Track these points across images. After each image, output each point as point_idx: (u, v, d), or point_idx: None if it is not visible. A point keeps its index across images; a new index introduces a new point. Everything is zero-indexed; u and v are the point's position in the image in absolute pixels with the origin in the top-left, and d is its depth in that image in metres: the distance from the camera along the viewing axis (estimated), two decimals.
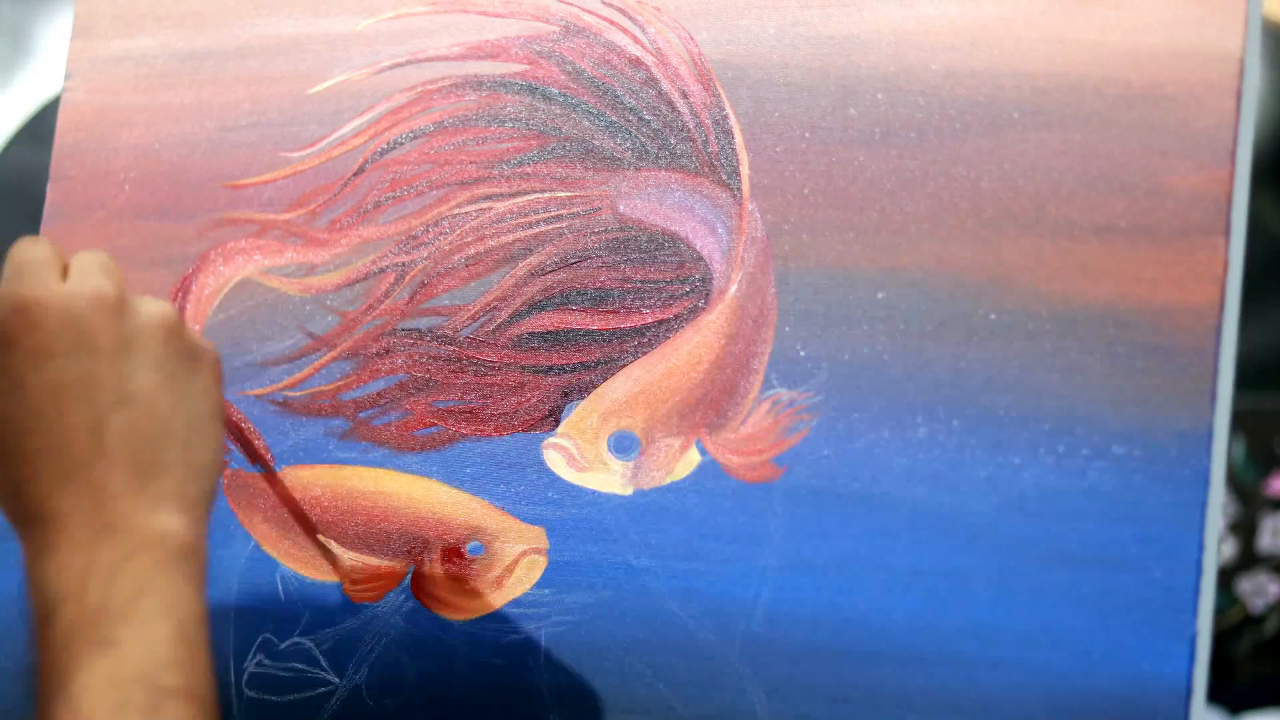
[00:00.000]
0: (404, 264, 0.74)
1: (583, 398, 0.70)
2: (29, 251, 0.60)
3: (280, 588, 0.74)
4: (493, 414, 0.72)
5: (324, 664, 0.73)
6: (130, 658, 0.53)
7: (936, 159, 0.66)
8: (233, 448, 0.75)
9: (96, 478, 0.56)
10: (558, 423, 0.71)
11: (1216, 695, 1.07)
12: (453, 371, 0.72)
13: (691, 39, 0.70)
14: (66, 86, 0.81)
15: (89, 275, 0.59)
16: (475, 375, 0.72)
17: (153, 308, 0.60)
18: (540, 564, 0.70)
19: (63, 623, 0.54)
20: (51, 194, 0.80)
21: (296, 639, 0.73)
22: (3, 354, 0.57)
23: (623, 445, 0.69)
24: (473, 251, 0.73)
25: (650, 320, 0.70)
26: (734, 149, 0.69)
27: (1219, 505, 0.62)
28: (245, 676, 0.74)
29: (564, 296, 0.71)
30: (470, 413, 0.72)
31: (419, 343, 0.73)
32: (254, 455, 0.75)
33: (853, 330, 0.66)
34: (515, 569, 0.71)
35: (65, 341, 0.57)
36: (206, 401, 0.60)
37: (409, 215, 0.74)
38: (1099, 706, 0.61)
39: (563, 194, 0.72)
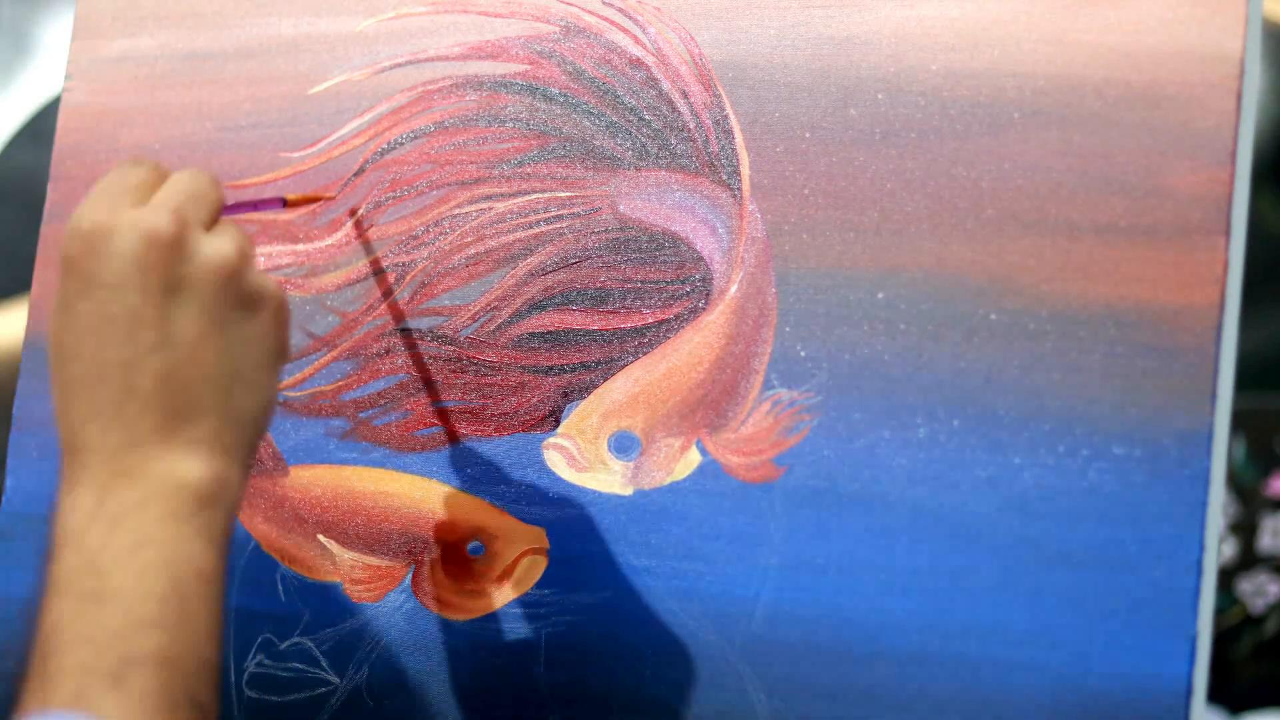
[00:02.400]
0: (404, 264, 0.74)
1: (583, 398, 0.70)
2: (117, 173, 0.59)
3: (280, 588, 0.74)
4: (493, 414, 0.72)
5: (324, 664, 0.73)
6: (110, 614, 0.52)
7: (936, 159, 0.66)
8: None
9: (127, 417, 0.55)
10: (558, 423, 0.71)
11: (1216, 695, 1.07)
12: (453, 371, 0.72)
13: (692, 39, 0.70)
14: (66, 86, 0.81)
15: (161, 206, 0.57)
16: (476, 375, 0.72)
17: (212, 248, 0.57)
18: (541, 564, 0.70)
19: (60, 566, 0.53)
20: (51, 194, 0.80)
21: (296, 639, 0.73)
22: (63, 275, 0.56)
23: (623, 445, 0.69)
24: (473, 251, 0.73)
25: (650, 320, 0.70)
26: (734, 149, 0.69)
27: (1219, 505, 0.62)
28: (245, 676, 0.74)
29: (564, 296, 0.71)
30: (471, 413, 0.72)
31: (419, 343, 0.73)
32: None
33: (853, 330, 0.66)
34: (515, 569, 0.71)
35: (115, 273, 0.55)
36: (259, 348, 0.58)
37: (409, 215, 0.74)
38: (1099, 706, 0.61)
39: (563, 194, 0.72)
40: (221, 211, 0.60)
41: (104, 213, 0.56)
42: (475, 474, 0.72)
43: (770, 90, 0.69)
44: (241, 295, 0.57)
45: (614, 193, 0.71)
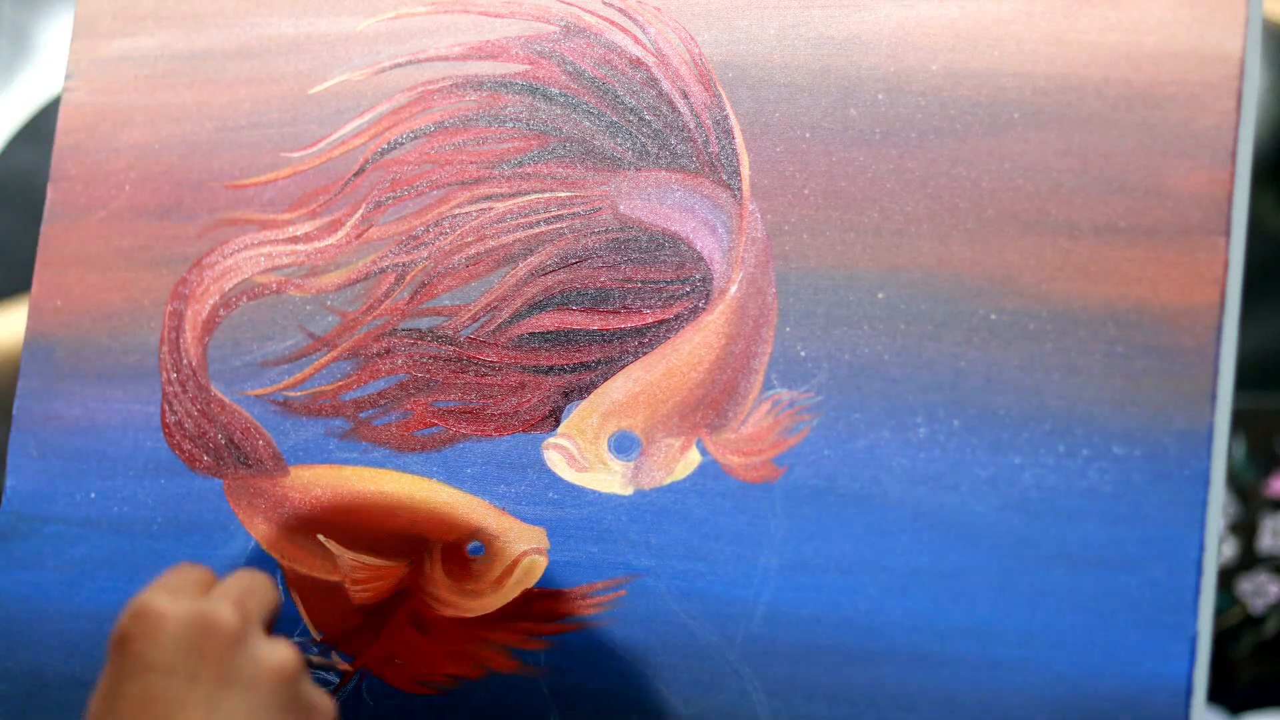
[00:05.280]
0: (404, 264, 0.74)
1: (583, 398, 0.70)
2: (180, 571, 0.60)
3: (280, 588, 0.74)
4: (493, 414, 0.72)
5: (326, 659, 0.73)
6: None
7: (936, 159, 0.66)
8: (243, 449, 0.75)
9: None
10: (558, 423, 0.71)
11: (1216, 695, 1.07)
12: (453, 371, 0.72)
13: (692, 39, 0.70)
14: (66, 86, 0.81)
15: (220, 599, 0.57)
16: (476, 375, 0.72)
17: (273, 653, 0.57)
18: (541, 564, 0.70)
19: None
20: (51, 194, 0.80)
21: (296, 639, 0.73)
22: (113, 654, 0.56)
23: (623, 445, 0.69)
24: (473, 251, 0.73)
25: (650, 320, 0.70)
26: (734, 149, 0.69)
27: (1219, 505, 0.62)
28: None
29: (564, 296, 0.71)
30: (471, 413, 0.72)
31: (419, 343, 0.73)
32: (262, 459, 0.75)
33: (853, 330, 0.66)
34: (515, 569, 0.71)
35: (168, 658, 0.55)
36: None
37: (409, 215, 0.74)
38: (1099, 706, 0.62)
39: (563, 194, 0.72)
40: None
41: (163, 599, 0.56)
42: (475, 474, 0.72)
43: (770, 90, 0.69)
44: (293, 702, 0.57)
45: (614, 193, 0.71)
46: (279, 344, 0.75)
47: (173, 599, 0.57)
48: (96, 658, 0.76)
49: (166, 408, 0.76)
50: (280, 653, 0.57)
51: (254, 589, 0.59)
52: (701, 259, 0.69)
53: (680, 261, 0.70)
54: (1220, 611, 1.08)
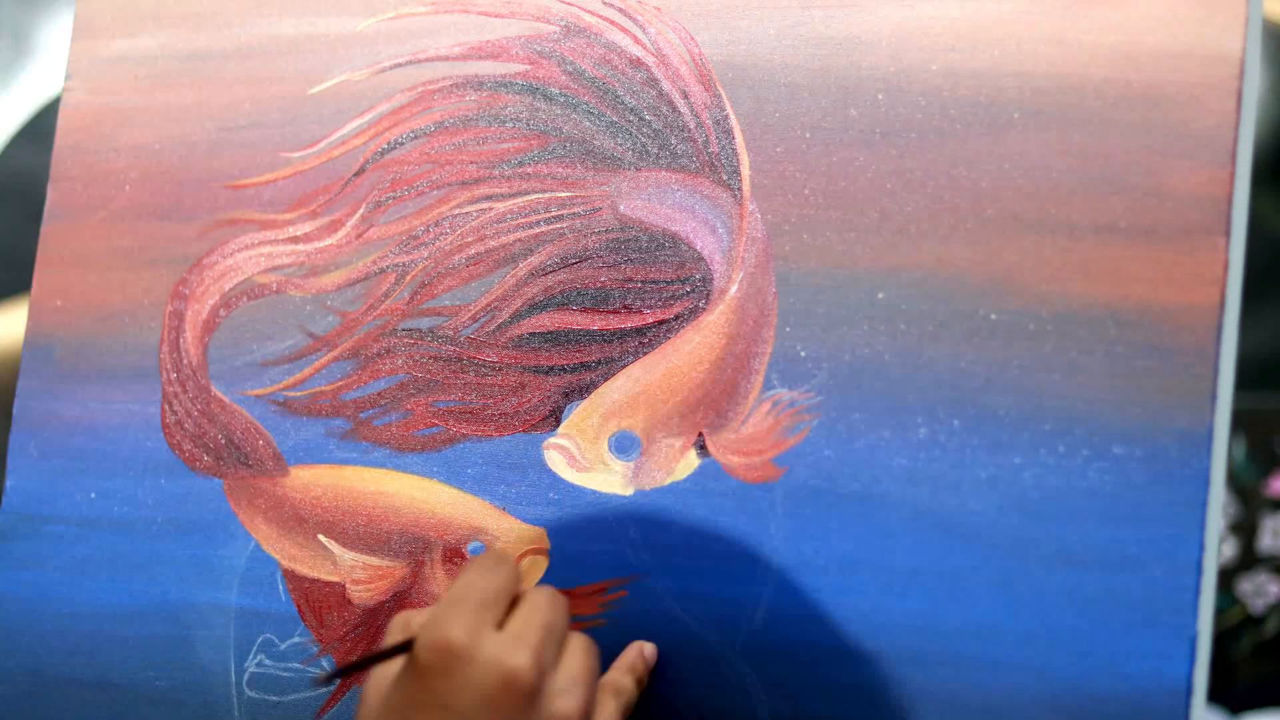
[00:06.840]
0: (404, 264, 0.74)
1: (583, 398, 0.70)
2: (478, 574, 0.59)
3: (280, 588, 0.74)
4: (493, 414, 0.72)
5: (325, 664, 0.73)
6: None
7: (936, 159, 0.66)
8: (243, 449, 0.75)
9: None
10: (558, 423, 0.71)
11: (1216, 695, 1.07)
12: (453, 372, 0.72)
13: (692, 39, 0.70)
14: (66, 86, 0.81)
15: (523, 643, 0.57)
16: (476, 375, 0.72)
17: (564, 705, 0.57)
18: (541, 564, 0.70)
19: None
20: (51, 194, 0.80)
21: (296, 639, 0.73)
22: (410, 679, 0.56)
23: (623, 445, 0.69)
24: (473, 251, 0.73)
25: (651, 320, 0.70)
26: (734, 149, 0.69)
27: (1219, 505, 0.62)
28: (246, 676, 0.74)
29: (564, 296, 0.71)
30: (471, 413, 0.72)
31: (420, 343, 0.73)
32: (263, 460, 0.75)
33: (853, 330, 0.66)
34: None
35: (466, 704, 0.55)
36: None
37: (409, 215, 0.74)
38: (1099, 707, 0.61)
39: (563, 194, 0.72)
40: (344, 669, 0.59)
41: (464, 630, 0.56)
42: (475, 474, 0.72)
43: (770, 90, 0.69)
44: None
45: (614, 193, 0.71)
46: (279, 344, 0.75)
47: (472, 631, 0.56)
48: (97, 658, 0.76)
49: (166, 408, 0.76)
50: (570, 706, 0.57)
51: (551, 624, 0.58)
52: (701, 259, 0.69)
53: (680, 261, 0.70)
54: (1220, 611, 1.08)
